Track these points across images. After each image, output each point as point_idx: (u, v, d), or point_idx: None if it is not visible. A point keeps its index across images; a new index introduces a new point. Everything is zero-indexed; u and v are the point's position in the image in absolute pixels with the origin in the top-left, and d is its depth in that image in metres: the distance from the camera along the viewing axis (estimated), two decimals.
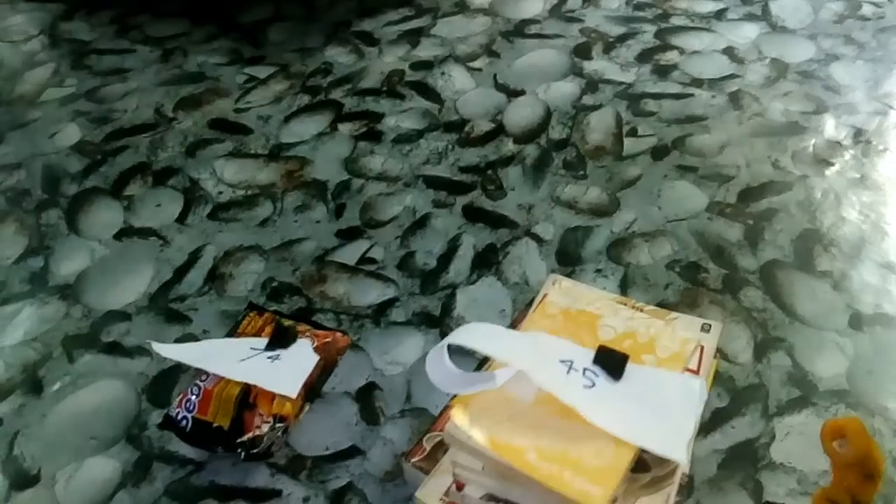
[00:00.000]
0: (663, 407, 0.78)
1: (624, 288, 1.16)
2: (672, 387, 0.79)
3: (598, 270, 1.19)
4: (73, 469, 1.01)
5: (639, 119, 1.46)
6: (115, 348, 1.15)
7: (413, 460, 0.89)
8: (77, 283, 1.25)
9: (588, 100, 1.52)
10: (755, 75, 1.55)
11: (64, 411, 1.08)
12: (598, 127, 1.45)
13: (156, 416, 1.05)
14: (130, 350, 1.14)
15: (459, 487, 0.80)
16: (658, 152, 1.39)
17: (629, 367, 0.81)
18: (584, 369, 0.80)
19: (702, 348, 0.87)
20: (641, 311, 0.93)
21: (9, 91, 1.68)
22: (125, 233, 1.33)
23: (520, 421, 0.76)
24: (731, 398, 1.01)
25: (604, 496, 0.69)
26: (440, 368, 0.80)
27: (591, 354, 0.82)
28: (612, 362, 0.81)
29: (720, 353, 1.03)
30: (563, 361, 0.81)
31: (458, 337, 0.80)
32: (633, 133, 1.43)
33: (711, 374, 0.88)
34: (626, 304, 0.95)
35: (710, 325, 0.92)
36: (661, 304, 1.12)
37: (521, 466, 0.72)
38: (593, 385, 0.79)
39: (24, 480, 1.00)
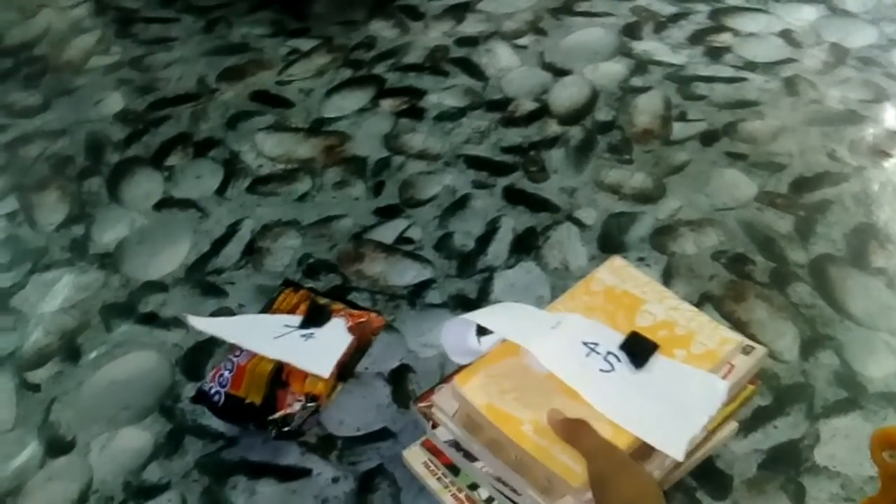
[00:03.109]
0: (677, 402, 0.75)
1: (667, 278, 1.12)
2: (693, 383, 0.77)
3: (641, 258, 1.16)
4: (107, 438, 1.02)
5: (688, 103, 1.42)
6: (151, 319, 1.15)
7: (420, 405, 0.89)
8: (116, 253, 1.26)
9: (636, 81, 1.47)
10: (812, 60, 1.49)
11: (100, 380, 1.09)
12: (646, 110, 1.41)
13: (189, 389, 1.05)
14: (166, 321, 1.14)
15: (434, 425, 0.84)
16: (707, 138, 1.35)
17: (655, 357, 0.79)
18: (608, 353, 0.79)
19: (731, 366, 0.82)
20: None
21: (56, 57, 1.69)
22: (165, 203, 1.33)
23: (526, 392, 0.76)
24: (774, 397, 0.98)
25: (583, 476, 0.68)
26: (458, 340, 0.83)
27: (620, 339, 0.80)
28: (638, 350, 0.79)
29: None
30: (585, 343, 0.80)
31: (480, 316, 0.81)
32: (682, 117, 1.39)
33: (739, 399, 0.84)
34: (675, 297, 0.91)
35: (752, 348, 0.84)
36: (705, 296, 1.09)
37: (513, 435, 0.73)
38: (611, 370, 0.77)
39: (60, 447, 1.02)
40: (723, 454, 0.93)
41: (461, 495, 0.84)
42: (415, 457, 0.89)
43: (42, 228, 1.31)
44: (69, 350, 1.12)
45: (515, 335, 0.79)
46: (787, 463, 0.92)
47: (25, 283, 1.22)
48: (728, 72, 1.48)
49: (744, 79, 1.46)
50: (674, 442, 0.72)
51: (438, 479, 0.87)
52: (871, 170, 1.27)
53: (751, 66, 1.49)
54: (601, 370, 0.78)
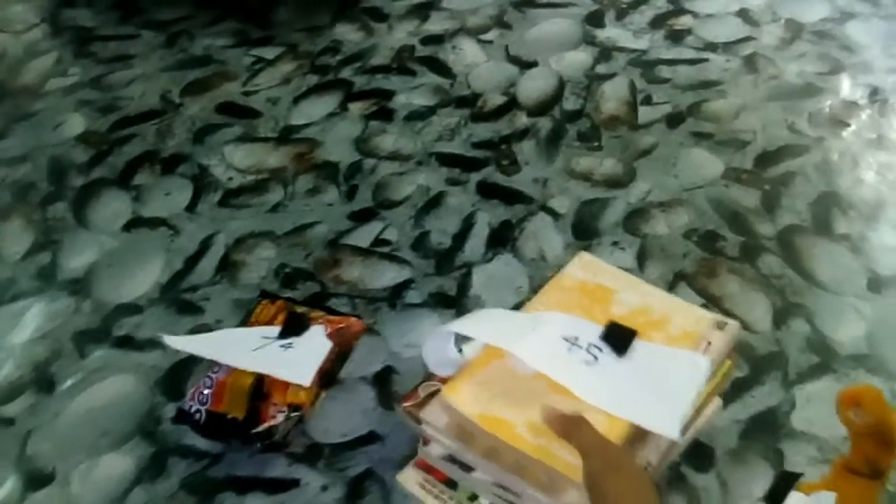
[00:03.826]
0: (664, 383, 0.76)
1: (641, 260, 1.13)
2: (676, 363, 0.77)
3: (615, 243, 1.16)
4: (88, 467, 1.00)
5: (653, 86, 1.42)
6: (126, 342, 1.13)
7: (405, 405, 0.87)
8: (86, 278, 1.23)
9: (602, 69, 1.48)
10: (770, 37, 1.50)
11: (77, 408, 1.06)
12: (613, 96, 1.41)
13: (170, 410, 1.03)
14: (142, 343, 1.12)
15: (425, 443, 0.82)
16: (673, 120, 1.35)
17: (636, 343, 0.79)
18: (589, 345, 0.79)
19: (708, 343, 0.82)
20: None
21: (12, 82, 1.66)
22: (134, 223, 1.31)
23: (516, 394, 0.75)
24: (750, 367, 0.99)
25: (569, 475, 0.68)
26: (439, 353, 0.81)
27: (599, 330, 0.80)
28: (619, 338, 0.79)
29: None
30: (566, 339, 0.79)
31: (458, 325, 0.80)
32: (647, 101, 1.39)
33: (719, 375, 0.84)
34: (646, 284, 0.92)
35: (725, 323, 0.83)
36: (679, 275, 1.09)
37: (509, 439, 0.72)
38: (595, 361, 0.77)
39: (39, 480, 0.99)
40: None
41: None
42: (409, 479, 0.86)
43: (7, 258, 1.28)
44: (42, 380, 1.10)
45: (497, 339, 0.78)
46: (767, 431, 0.93)
47: None
48: (689, 53, 1.48)
49: (705, 59, 1.47)
50: (667, 422, 0.72)
51: (436, 497, 0.84)
52: (830, 140, 1.28)
53: (711, 46, 1.50)
54: (585, 363, 0.77)
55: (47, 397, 1.08)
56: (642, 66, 1.46)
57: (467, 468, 0.79)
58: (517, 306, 0.92)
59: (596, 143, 1.32)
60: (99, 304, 1.19)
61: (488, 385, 0.77)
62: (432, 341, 0.83)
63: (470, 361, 0.80)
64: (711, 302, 1.05)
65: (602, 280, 0.86)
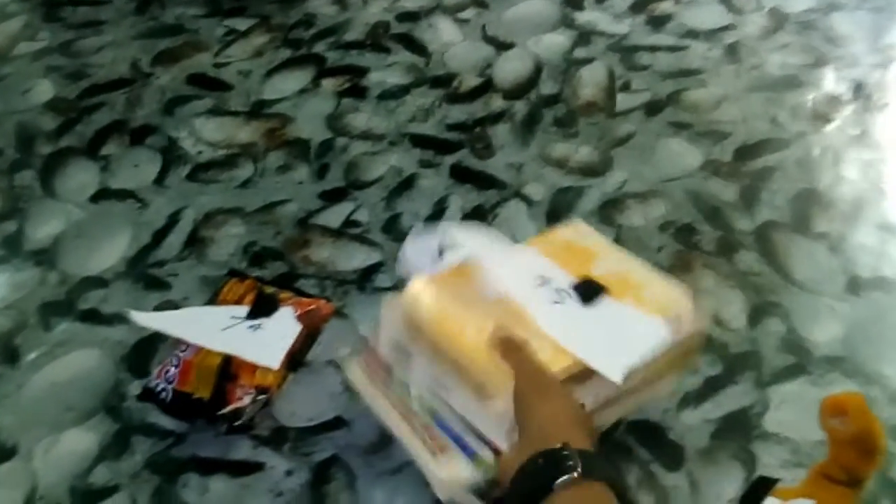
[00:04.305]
0: (620, 335, 0.78)
1: None
2: (637, 323, 0.79)
3: None
4: (51, 442, 0.98)
5: (632, 73, 1.41)
6: (92, 316, 1.11)
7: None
8: (52, 248, 1.21)
9: (580, 53, 1.47)
10: (753, 26, 1.50)
11: (40, 382, 1.05)
12: (590, 81, 1.41)
13: (135, 387, 1.02)
14: (108, 317, 1.11)
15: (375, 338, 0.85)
16: (652, 108, 1.34)
17: (604, 297, 0.81)
18: (559, 289, 0.82)
19: (678, 318, 0.83)
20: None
21: None
22: (102, 195, 1.29)
23: (473, 309, 0.78)
24: (724, 366, 0.99)
25: (504, 384, 0.70)
26: (419, 254, 0.85)
27: (573, 281, 0.83)
28: (587, 290, 0.82)
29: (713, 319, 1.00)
30: (539, 276, 0.83)
31: (447, 230, 0.85)
32: (625, 88, 1.39)
33: (680, 355, 0.84)
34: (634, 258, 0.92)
35: (699, 312, 0.84)
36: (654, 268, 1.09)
37: (454, 340, 0.75)
38: (561, 303, 0.80)
39: (1, 453, 0.98)
40: (674, 426, 0.94)
41: (394, 400, 0.83)
42: (352, 367, 0.88)
43: None
44: (7, 352, 1.08)
45: (479, 253, 0.82)
46: (739, 431, 0.93)
47: None
48: (670, 40, 1.48)
49: (686, 47, 1.46)
50: (611, 366, 0.74)
51: (370, 383, 0.86)
52: (812, 135, 1.28)
53: (692, 34, 1.49)
54: (551, 301, 0.80)
55: (11, 370, 1.06)
56: (621, 52, 1.46)
57: (408, 358, 0.81)
58: None
59: (572, 130, 1.32)
60: (65, 276, 1.17)
61: (452, 293, 0.80)
62: (416, 242, 0.86)
63: (444, 270, 0.83)
64: None
65: (589, 244, 0.88)
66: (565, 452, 0.62)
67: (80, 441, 0.98)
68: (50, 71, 1.53)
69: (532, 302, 0.79)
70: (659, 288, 0.83)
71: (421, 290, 0.80)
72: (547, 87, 1.40)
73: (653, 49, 1.46)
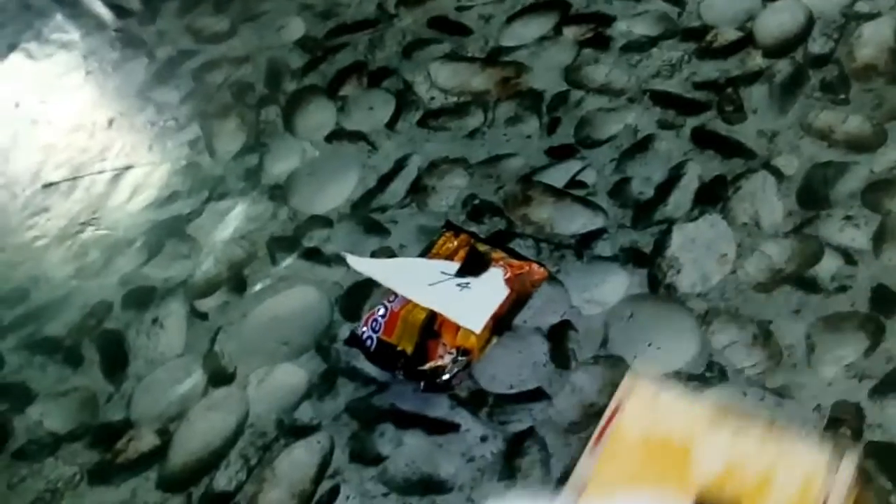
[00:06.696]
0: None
1: (878, 242, 0.97)
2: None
3: (848, 217, 1.00)
4: (265, 372, 1.03)
5: None
6: (314, 254, 1.15)
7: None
8: (287, 184, 1.26)
9: (862, 6, 1.26)
10: None
11: (263, 313, 1.10)
12: (872, 41, 1.21)
13: (346, 329, 1.04)
14: (329, 258, 1.14)
15: None
16: None
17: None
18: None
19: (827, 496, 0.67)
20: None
21: None
22: (336, 135, 1.31)
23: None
24: None
25: None
26: None
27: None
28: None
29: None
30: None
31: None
32: None
33: None
34: (725, 417, 0.76)
35: (843, 455, 0.70)
36: None
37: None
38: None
39: (221, 378, 1.04)
40: None
41: None
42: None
43: (220, 157, 1.34)
44: (236, 281, 1.15)
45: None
46: None
47: (202, 211, 1.26)
48: None
49: None
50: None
51: None
52: None
53: None
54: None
55: (238, 298, 1.13)
56: None
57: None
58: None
59: (842, 96, 1.14)
60: (294, 213, 1.21)
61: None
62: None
63: None
64: None
65: (668, 428, 0.75)
66: None
67: (292, 376, 1.02)
68: (303, 9, 1.58)
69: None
70: (786, 468, 0.68)
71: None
72: (817, 46, 1.22)
73: None
